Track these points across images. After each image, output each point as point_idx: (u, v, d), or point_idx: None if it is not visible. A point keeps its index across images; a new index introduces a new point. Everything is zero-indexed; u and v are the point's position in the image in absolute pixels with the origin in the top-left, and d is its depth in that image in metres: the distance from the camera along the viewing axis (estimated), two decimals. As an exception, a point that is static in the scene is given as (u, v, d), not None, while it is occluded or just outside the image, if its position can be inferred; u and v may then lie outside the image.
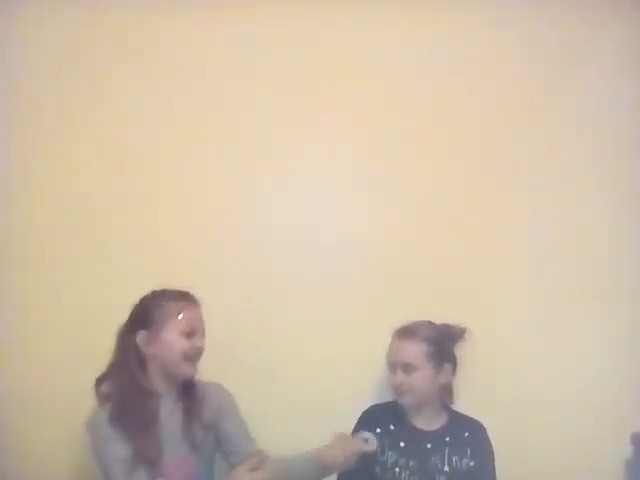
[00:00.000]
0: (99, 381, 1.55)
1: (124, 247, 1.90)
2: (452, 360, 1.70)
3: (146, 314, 1.54)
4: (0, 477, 1.83)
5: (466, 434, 1.67)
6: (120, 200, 1.92)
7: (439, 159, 1.93)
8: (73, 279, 1.89)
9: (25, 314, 1.89)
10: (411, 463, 1.63)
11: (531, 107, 1.93)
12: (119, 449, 1.46)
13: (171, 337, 1.53)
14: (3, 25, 1.94)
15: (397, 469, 1.63)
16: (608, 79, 1.93)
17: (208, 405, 1.59)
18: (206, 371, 1.62)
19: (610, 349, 1.86)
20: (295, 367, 1.87)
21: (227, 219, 1.93)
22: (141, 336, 1.53)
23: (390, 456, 1.64)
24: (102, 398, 1.54)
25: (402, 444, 1.66)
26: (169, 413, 1.55)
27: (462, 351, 1.73)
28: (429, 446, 1.65)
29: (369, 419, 1.71)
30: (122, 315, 1.57)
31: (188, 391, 1.59)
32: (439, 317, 1.72)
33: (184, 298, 1.57)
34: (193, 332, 1.55)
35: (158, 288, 1.58)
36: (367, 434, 1.58)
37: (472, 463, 1.63)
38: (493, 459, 1.67)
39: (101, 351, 1.56)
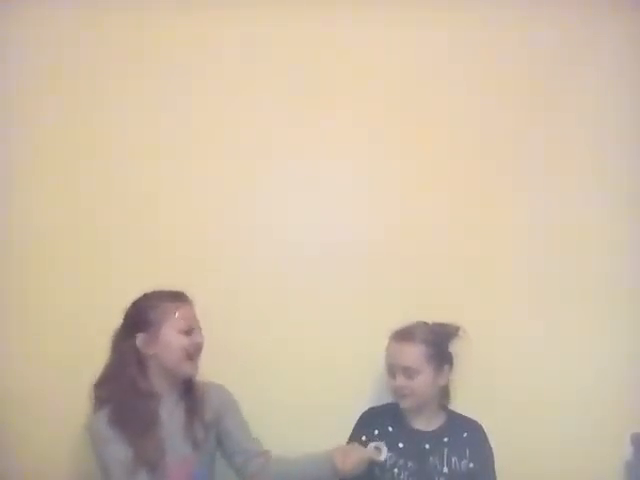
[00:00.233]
0: (96, 387, 1.55)
1: (124, 247, 1.90)
2: (450, 361, 1.70)
3: (142, 317, 1.55)
4: (0, 477, 1.83)
5: (465, 434, 1.67)
6: (120, 200, 1.91)
7: (439, 159, 1.93)
8: (73, 279, 1.89)
9: (25, 314, 1.89)
10: (410, 464, 1.63)
11: (531, 107, 1.93)
12: (119, 450, 1.47)
13: (170, 336, 1.53)
14: (3, 25, 1.94)
15: (396, 470, 1.63)
16: (608, 79, 1.93)
17: (209, 404, 1.60)
18: (206, 371, 1.63)
19: (610, 349, 1.86)
20: (295, 367, 1.87)
21: (227, 219, 1.93)
22: (140, 339, 1.53)
23: (389, 457, 1.63)
24: (99, 403, 1.54)
25: (400, 445, 1.65)
26: (170, 413, 1.55)
27: (462, 351, 1.73)
28: (427, 447, 1.65)
29: (367, 421, 1.72)
30: (122, 315, 1.58)
31: (189, 391, 1.60)
32: (439, 317, 1.72)
33: (177, 297, 1.58)
34: (191, 329, 1.56)
35: (148, 290, 1.59)
36: (379, 443, 1.59)
37: (471, 465, 1.63)
38: (493, 460, 1.67)
39: (101, 351, 1.57)
